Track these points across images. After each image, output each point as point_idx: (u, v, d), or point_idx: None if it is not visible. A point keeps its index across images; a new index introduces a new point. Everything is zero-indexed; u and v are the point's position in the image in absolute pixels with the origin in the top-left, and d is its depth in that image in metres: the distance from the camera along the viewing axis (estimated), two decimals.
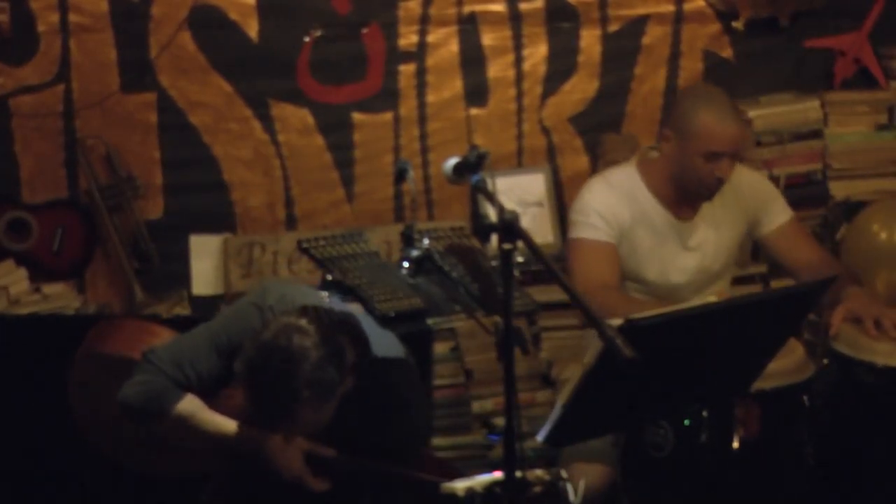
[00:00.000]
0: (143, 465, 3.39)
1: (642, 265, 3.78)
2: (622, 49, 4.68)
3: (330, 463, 3.09)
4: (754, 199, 3.89)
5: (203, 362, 3.09)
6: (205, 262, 4.52)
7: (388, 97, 4.56)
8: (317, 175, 4.56)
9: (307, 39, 4.46)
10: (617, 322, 2.71)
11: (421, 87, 4.58)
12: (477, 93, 4.62)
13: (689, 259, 3.81)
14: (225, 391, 3.13)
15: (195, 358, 3.09)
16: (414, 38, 4.54)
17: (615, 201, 3.76)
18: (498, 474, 2.81)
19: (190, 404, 3.09)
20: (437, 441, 4.26)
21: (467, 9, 4.55)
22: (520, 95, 4.65)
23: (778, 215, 3.90)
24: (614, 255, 3.73)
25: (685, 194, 3.77)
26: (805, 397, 3.70)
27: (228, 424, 3.10)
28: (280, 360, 2.86)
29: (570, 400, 2.84)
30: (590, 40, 4.64)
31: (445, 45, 4.56)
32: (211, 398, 3.13)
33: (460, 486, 2.84)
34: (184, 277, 4.49)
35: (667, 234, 3.78)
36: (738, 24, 4.69)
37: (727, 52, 4.75)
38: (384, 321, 3.37)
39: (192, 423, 3.08)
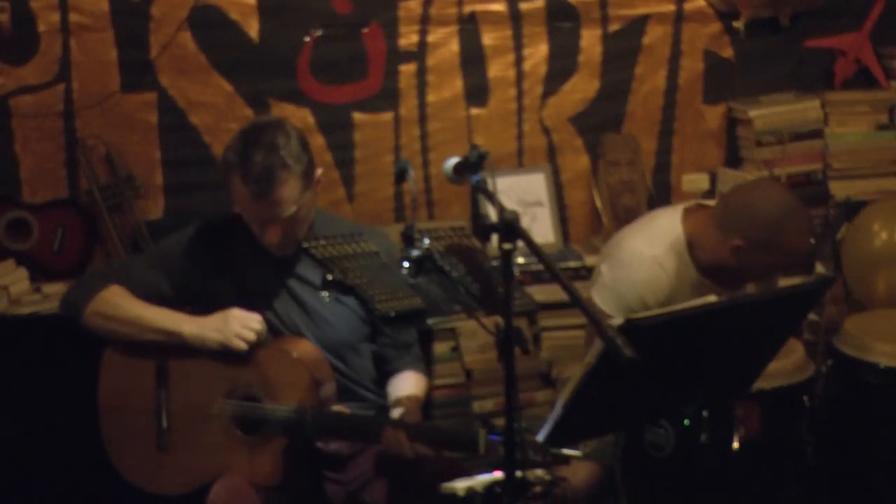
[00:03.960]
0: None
1: None
2: (622, 49, 4.67)
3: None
4: None
5: (136, 272, 3.48)
6: None
7: (388, 97, 4.56)
8: None
9: (307, 39, 4.46)
10: (617, 321, 2.72)
11: (421, 87, 4.57)
12: (477, 93, 4.62)
13: None
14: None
15: (130, 268, 3.51)
16: (414, 38, 4.54)
17: (665, 284, 3.52)
18: (498, 474, 2.81)
19: (115, 291, 3.44)
20: None
21: (467, 8, 4.55)
22: (520, 95, 4.65)
23: None
24: None
25: (736, 279, 3.59)
26: (805, 397, 3.70)
27: (151, 311, 3.41)
28: (269, 133, 3.32)
29: (570, 400, 2.84)
30: (590, 40, 4.64)
31: (446, 44, 4.56)
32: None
33: (460, 485, 2.85)
34: None
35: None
36: (738, 24, 4.70)
37: (727, 52, 4.75)
38: (384, 321, 3.37)
39: (115, 308, 3.41)
